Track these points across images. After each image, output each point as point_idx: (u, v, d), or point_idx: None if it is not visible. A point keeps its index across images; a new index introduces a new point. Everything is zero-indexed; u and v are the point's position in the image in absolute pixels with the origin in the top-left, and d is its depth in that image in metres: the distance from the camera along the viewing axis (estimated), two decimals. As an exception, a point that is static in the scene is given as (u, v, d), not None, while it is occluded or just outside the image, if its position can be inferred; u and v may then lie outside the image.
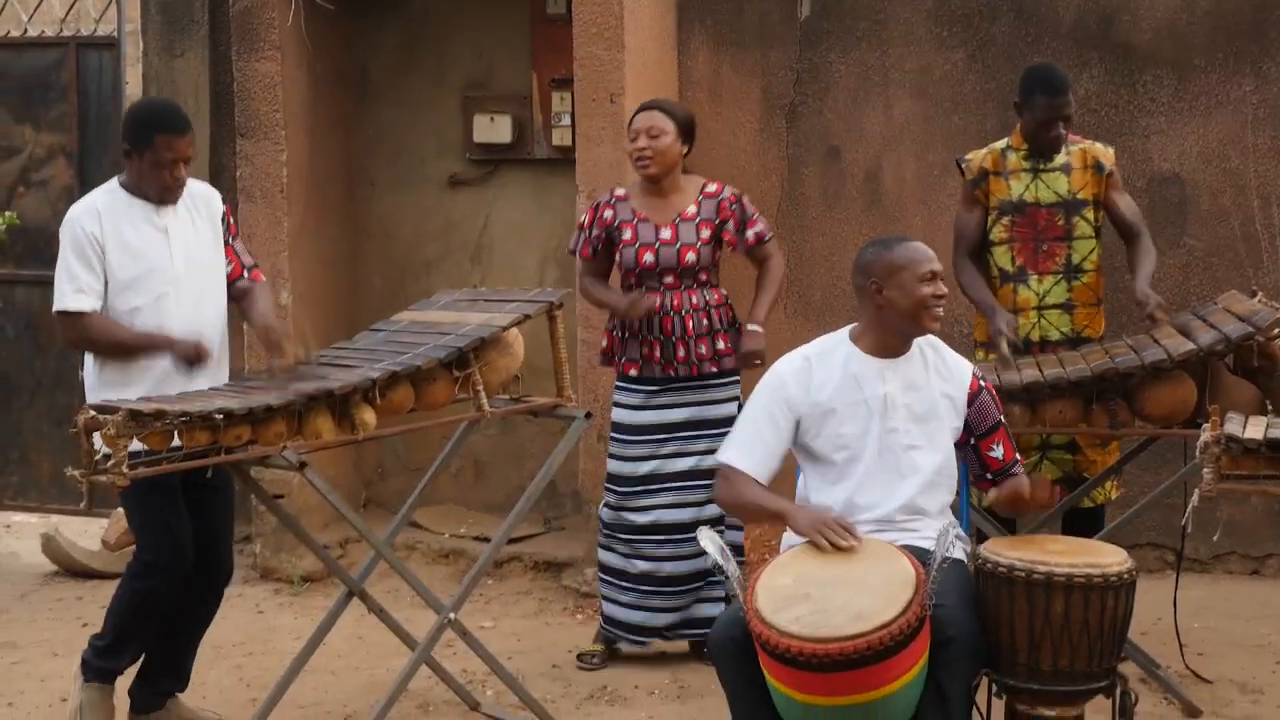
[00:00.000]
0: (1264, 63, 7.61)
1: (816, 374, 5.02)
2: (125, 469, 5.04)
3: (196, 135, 8.39)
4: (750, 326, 6.69)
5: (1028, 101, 6.53)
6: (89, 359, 5.95)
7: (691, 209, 6.68)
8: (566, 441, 6.12)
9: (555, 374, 6.16)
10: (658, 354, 6.62)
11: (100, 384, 5.87)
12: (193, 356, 5.73)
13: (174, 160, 5.81)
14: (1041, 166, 6.57)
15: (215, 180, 8.54)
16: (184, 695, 6.20)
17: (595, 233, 6.70)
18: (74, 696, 6.01)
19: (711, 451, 6.64)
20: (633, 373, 6.69)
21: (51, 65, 8.97)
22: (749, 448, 5.03)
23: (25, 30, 9.15)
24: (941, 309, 5.01)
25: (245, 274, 6.12)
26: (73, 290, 5.79)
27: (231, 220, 6.16)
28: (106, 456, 5.07)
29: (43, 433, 8.95)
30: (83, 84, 8.92)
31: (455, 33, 8.62)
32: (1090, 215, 6.55)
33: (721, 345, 6.68)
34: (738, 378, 6.76)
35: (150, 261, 5.83)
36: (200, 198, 6.04)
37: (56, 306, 5.86)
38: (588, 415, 6.18)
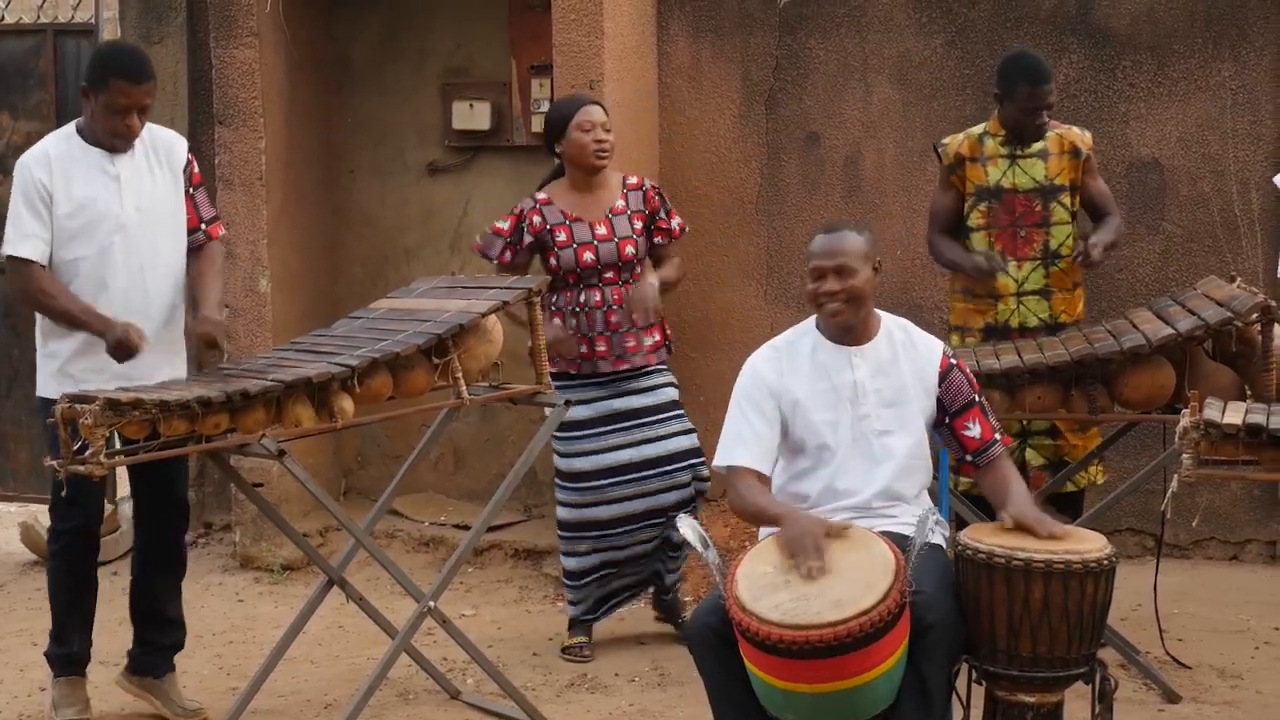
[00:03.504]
0: (1242, 47, 7.62)
1: (786, 364, 5.02)
2: (103, 458, 5.04)
3: (175, 122, 8.45)
4: (650, 277, 6.70)
5: (1011, 91, 6.52)
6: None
7: (620, 203, 6.72)
8: (546, 429, 6.11)
9: (534, 361, 6.15)
10: (603, 349, 6.63)
11: (46, 328, 5.89)
12: (122, 346, 5.64)
13: (127, 107, 5.75)
14: (1019, 153, 6.57)
15: (193, 168, 8.54)
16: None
17: (526, 240, 6.66)
18: (48, 693, 6.06)
19: (653, 440, 6.67)
20: (573, 370, 6.68)
21: (29, 52, 8.93)
22: (748, 443, 4.98)
23: (2, 17, 9.11)
24: (834, 305, 4.93)
25: (202, 227, 6.04)
26: (19, 236, 5.79)
27: (195, 170, 6.08)
28: (84, 445, 5.05)
29: (21, 422, 8.92)
30: (60, 71, 8.88)
31: (434, 19, 8.60)
32: (1067, 200, 6.56)
33: (657, 338, 6.75)
34: (667, 365, 6.83)
35: (98, 210, 5.80)
36: (163, 145, 5.99)
37: (4, 250, 5.86)
38: (567, 403, 6.18)
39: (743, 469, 4.95)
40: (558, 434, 6.63)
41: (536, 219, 6.67)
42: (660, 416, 6.74)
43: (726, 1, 8.17)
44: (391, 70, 8.70)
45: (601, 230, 6.65)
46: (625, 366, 6.68)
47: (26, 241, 5.77)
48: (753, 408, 5.00)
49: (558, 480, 6.80)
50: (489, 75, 8.52)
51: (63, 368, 5.83)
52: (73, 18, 9.03)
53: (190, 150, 6.12)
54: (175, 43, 8.64)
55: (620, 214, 6.70)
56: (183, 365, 6.09)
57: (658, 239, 6.79)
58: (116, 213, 5.82)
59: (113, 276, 5.81)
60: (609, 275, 6.65)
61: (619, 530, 6.72)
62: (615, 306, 6.63)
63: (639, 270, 6.71)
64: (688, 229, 6.95)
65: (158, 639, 6.18)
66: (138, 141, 5.90)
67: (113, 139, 5.82)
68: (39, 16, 9.10)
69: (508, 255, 6.70)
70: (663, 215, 6.78)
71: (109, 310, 5.75)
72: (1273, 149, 7.58)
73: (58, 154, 5.83)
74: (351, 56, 8.78)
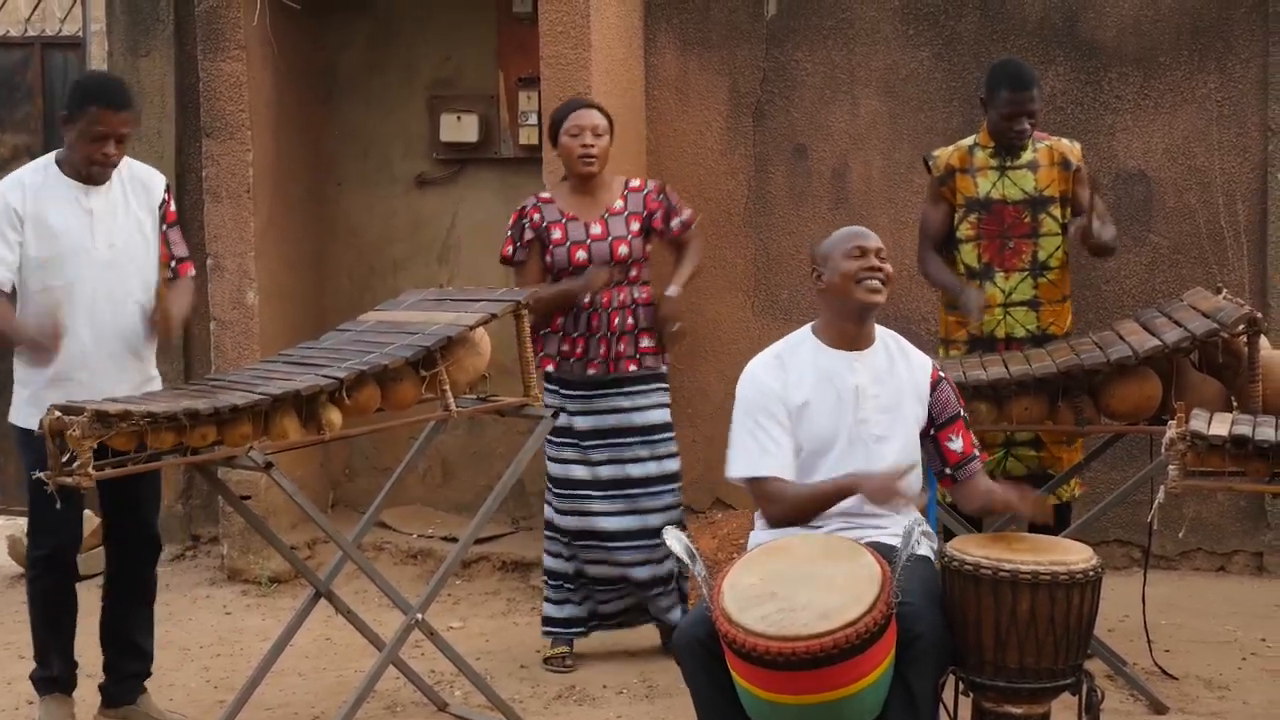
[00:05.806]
0: (1228, 59, 7.63)
1: (790, 371, 5.03)
2: (91, 469, 5.03)
3: (162, 135, 8.45)
4: (669, 290, 6.69)
5: (992, 97, 6.54)
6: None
7: (619, 204, 6.72)
8: (534, 441, 6.11)
9: (522, 373, 6.15)
10: (580, 350, 6.63)
11: (21, 356, 5.90)
12: (39, 345, 5.68)
13: (104, 135, 5.73)
14: (1009, 164, 6.58)
15: (181, 180, 8.53)
16: (152, 696, 6.20)
17: (527, 235, 6.66)
18: (35, 707, 6.07)
19: (642, 459, 6.67)
20: (549, 369, 6.67)
21: (17, 65, 8.93)
22: (770, 453, 4.98)
23: (-10, 30, 9.14)
24: (876, 281, 4.98)
25: (172, 263, 6.02)
26: None
27: (171, 207, 6.06)
28: (73, 458, 5.04)
29: (8, 434, 8.90)
30: (48, 84, 8.88)
31: (422, 32, 8.61)
32: (1056, 212, 6.56)
33: (645, 343, 6.71)
34: (665, 384, 6.81)
35: (68, 243, 5.78)
36: (140, 181, 5.97)
37: None
38: (555, 415, 6.18)
39: (771, 478, 4.97)
40: (551, 438, 6.64)
41: (536, 216, 6.68)
42: (652, 438, 6.72)
43: (714, 14, 8.18)
44: (379, 82, 8.70)
45: (596, 230, 6.64)
46: (616, 373, 6.67)
47: None
48: (767, 417, 5.00)
49: (548, 484, 6.83)
50: (476, 87, 8.53)
51: (34, 395, 5.81)
52: (60, 30, 9.04)
53: (168, 189, 6.10)
54: (162, 55, 8.64)
55: (617, 215, 6.69)
56: None
57: (673, 235, 6.80)
58: (88, 248, 5.80)
59: (80, 309, 5.78)
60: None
61: (600, 544, 6.71)
62: (601, 309, 6.62)
63: (635, 273, 6.69)
64: (693, 224, 6.84)
65: (127, 666, 6.16)
66: (115, 176, 5.88)
67: (90, 167, 5.79)
68: (26, 29, 9.10)
69: (508, 249, 6.70)
70: (657, 217, 6.74)
71: (76, 344, 5.73)
72: (1258, 161, 7.60)
73: (33, 182, 5.82)
74: (339, 68, 8.78)
